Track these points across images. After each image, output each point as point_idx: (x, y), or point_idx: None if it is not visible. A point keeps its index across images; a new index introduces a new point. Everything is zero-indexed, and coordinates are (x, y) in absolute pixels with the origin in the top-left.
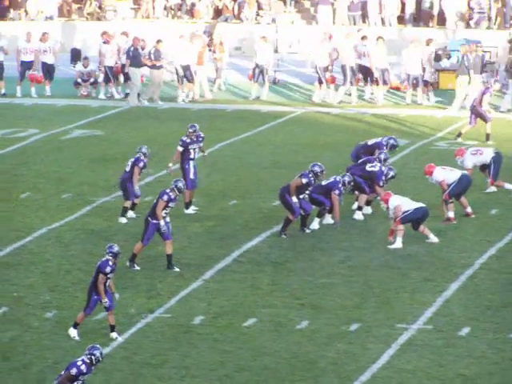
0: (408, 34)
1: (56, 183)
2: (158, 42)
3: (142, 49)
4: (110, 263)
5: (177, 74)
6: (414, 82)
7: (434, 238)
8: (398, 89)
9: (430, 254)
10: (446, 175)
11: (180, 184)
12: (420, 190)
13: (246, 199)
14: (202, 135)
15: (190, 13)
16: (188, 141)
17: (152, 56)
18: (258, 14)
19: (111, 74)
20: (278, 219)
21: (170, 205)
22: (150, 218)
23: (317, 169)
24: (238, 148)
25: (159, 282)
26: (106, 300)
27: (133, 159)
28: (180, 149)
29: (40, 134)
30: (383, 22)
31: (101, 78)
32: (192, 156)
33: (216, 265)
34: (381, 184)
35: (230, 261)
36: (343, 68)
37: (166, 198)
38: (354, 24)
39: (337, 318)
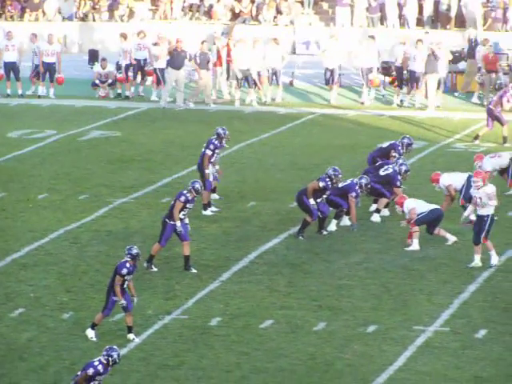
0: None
1: (73, 184)
2: (203, 42)
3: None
4: (128, 265)
5: (236, 78)
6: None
7: (451, 238)
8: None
9: (447, 256)
10: (453, 179)
11: (197, 185)
12: (436, 191)
13: (263, 201)
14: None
15: (208, 14)
16: (218, 145)
17: (197, 59)
18: (275, 16)
19: (162, 77)
20: (296, 221)
21: (187, 206)
22: (167, 220)
23: (332, 172)
24: (255, 149)
25: (176, 283)
26: (123, 301)
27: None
28: (209, 153)
29: (57, 134)
30: (401, 24)
31: (149, 81)
32: (213, 159)
33: (233, 266)
34: (398, 184)
35: (247, 262)
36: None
37: (183, 199)
38: (373, 26)
39: (354, 319)
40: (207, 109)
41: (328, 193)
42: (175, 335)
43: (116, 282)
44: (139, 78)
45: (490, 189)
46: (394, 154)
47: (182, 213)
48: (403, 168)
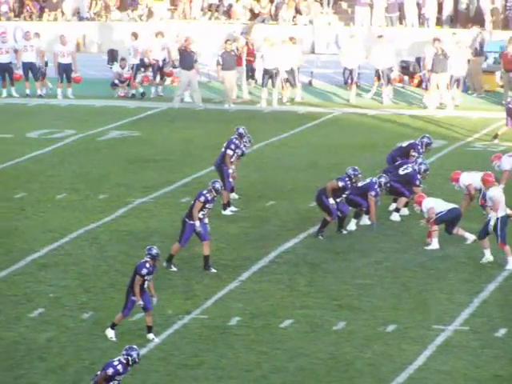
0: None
1: (93, 184)
2: (227, 42)
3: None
4: (148, 265)
5: (263, 77)
6: (457, 82)
7: (470, 237)
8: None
9: (466, 255)
10: (473, 178)
11: (217, 185)
12: (456, 191)
13: (282, 200)
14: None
15: (227, 14)
16: (239, 145)
17: (220, 59)
18: (294, 16)
19: None
20: (315, 220)
21: (207, 206)
22: (187, 219)
23: (351, 172)
24: (275, 149)
25: (196, 283)
26: (140, 302)
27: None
28: (230, 152)
29: (77, 134)
30: (421, 24)
31: (168, 81)
32: (233, 159)
33: (253, 266)
34: (417, 183)
35: (266, 262)
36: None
37: (202, 199)
38: (392, 25)
39: (373, 319)
40: (226, 109)
41: (347, 192)
42: (195, 335)
43: (136, 282)
44: (158, 78)
45: (491, 192)
46: (413, 154)
47: (202, 212)
48: (422, 167)
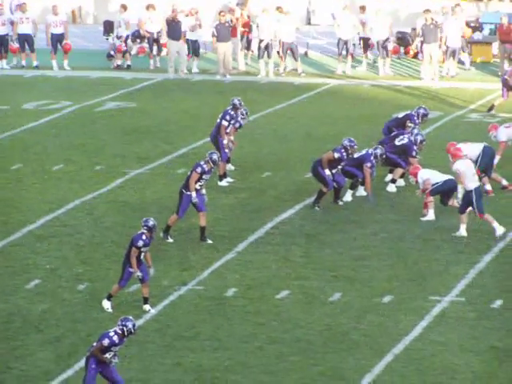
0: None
1: (89, 155)
2: (221, 13)
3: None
4: (144, 237)
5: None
6: (452, 53)
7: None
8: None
9: None
10: (468, 149)
11: (215, 156)
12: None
13: (279, 171)
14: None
15: None
16: (235, 116)
17: (214, 31)
18: None
19: (193, 48)
20: (311, 191)
21: (204, 177)
22: (183, 190)
23: (347, 143)
24: (271, 120)
25: (192, 254)
26: (139, 273)
27: (408, 111)
28: (225, 123)
29: (73, 106)
30: None
31: (164, 52)
32: (228, 130)
33: (249, 237)
34: (413, 154)
35: (263, 233)
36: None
37: (199, 170)
38: None
39: (369, 290)
40: (222, 80)
41: (343, 163)
42: (191, 306)
43: (132, 254)
44: (156, 49)
45: (455, 165)
46: (409, 124)
47: (199, 183)
48: (419, 138)
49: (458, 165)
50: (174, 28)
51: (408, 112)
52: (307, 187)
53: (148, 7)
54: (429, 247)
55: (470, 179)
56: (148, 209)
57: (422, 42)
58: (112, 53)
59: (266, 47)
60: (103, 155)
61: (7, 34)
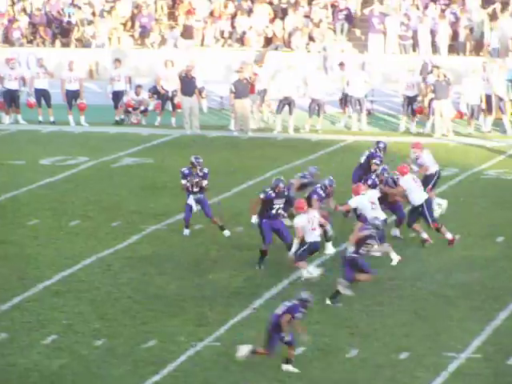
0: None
1: (106, 211)
2: (241, 70)
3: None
4: (300, 309)
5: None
6: (472, 111)
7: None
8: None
9: (478, 283)
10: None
11: (281, 183)
12: (470, 219)
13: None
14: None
15: (241, 41)
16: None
17: (232, 87)
18: (308, 43)
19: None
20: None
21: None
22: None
23: (327, 182)
24: (288, 176)
25: (209, 310)
26: (288, 338)
27: (367, 152)
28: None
29: (90, 161)
30: (434, 51)
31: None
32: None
33: (265, 292)
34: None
35: (279, 289)
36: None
37: (262, 195)
38: (405, 52)
39: (386, 346)
40: (240, 136)
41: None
42: (208, 362)
43: (285, 322)
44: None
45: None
46: (375, 161)
47: (275, 209)
48: (385, 173)
49: (401, 181)
50: (187, 84)
51: (367, 153)
52: (322, 242)
53: (166, 63)
54: (444, 303)
55: (417, 193)
56: (164, 265)
57: (432, 99)
58: (129, 108)
59: (289, 104)
60: (120, 211)
61: (18, 90)
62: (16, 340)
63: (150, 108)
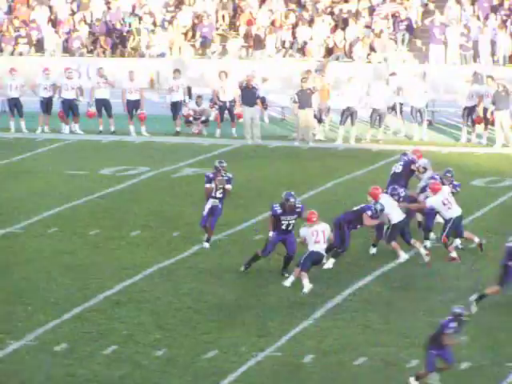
0: None
1: (166, 221)
2: (303, 79)
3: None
4: (452, 324)
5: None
6: None
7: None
8: None
9: None
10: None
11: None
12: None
13: (355, 238)
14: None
15: (302, 51)
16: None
17: (296, 97)
18: (369, 54)
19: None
20: (386, 257)
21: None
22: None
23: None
24: (348, 186)
25: (270, 320)
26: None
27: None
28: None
29: (151, 171)
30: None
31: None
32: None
33: (326, 303)
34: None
35: (340, 299)
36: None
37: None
38: (466, 63)
39: None
40: (301, 146)
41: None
42: (269, 372)
43: (445, 338)
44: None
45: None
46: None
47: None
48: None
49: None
50: (247, 94)
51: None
52: (383, 252)
53: (220, 74)
54: (505, 314)
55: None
56: (225, 275)
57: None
58: (191, 119)
59: (351, 114)
60: (181, 221)
61: (75, 99)
62: (76, 350)
63: (211, 118)
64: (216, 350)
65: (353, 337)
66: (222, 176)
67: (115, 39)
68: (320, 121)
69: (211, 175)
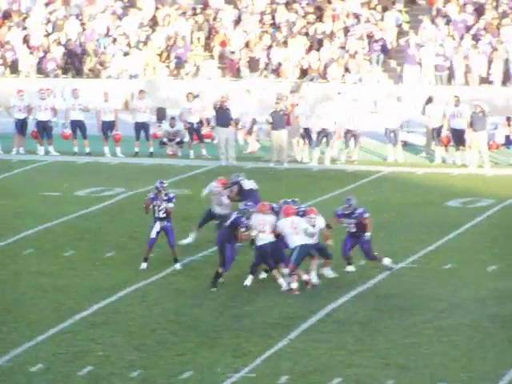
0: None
1: (142, 242)
2: (278, 101)
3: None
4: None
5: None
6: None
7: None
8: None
9: None
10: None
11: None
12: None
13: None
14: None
15: (276, 72)
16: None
17: (270, 118)
18: (343, 74)
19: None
20: (364, 279)
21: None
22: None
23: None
24: (323, 207)
25: (245, 341)
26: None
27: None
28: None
29: (126, 192)
30: (467, 83)
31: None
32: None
33: (302, 324)
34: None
35: (315, 320)
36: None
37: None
38: (441, 84)
39: (422, 377)
40: (276, 167)
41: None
42: None
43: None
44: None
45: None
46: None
47: None
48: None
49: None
50: (221, 115)
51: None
52: (360, 274)
53: (187, 96)
54: (481, 335)
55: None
56: (200, 296)
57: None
58: (165, 140)
59: (326, 136)
60: (157, 242)
61: (49, 121)
62: (52, 371)
63: (186, 140)
64: (191, 371)
65: (328, 358)
66: (163, 197)
67: (74, 59)
68: (309, 141)
69: (152, 195)
